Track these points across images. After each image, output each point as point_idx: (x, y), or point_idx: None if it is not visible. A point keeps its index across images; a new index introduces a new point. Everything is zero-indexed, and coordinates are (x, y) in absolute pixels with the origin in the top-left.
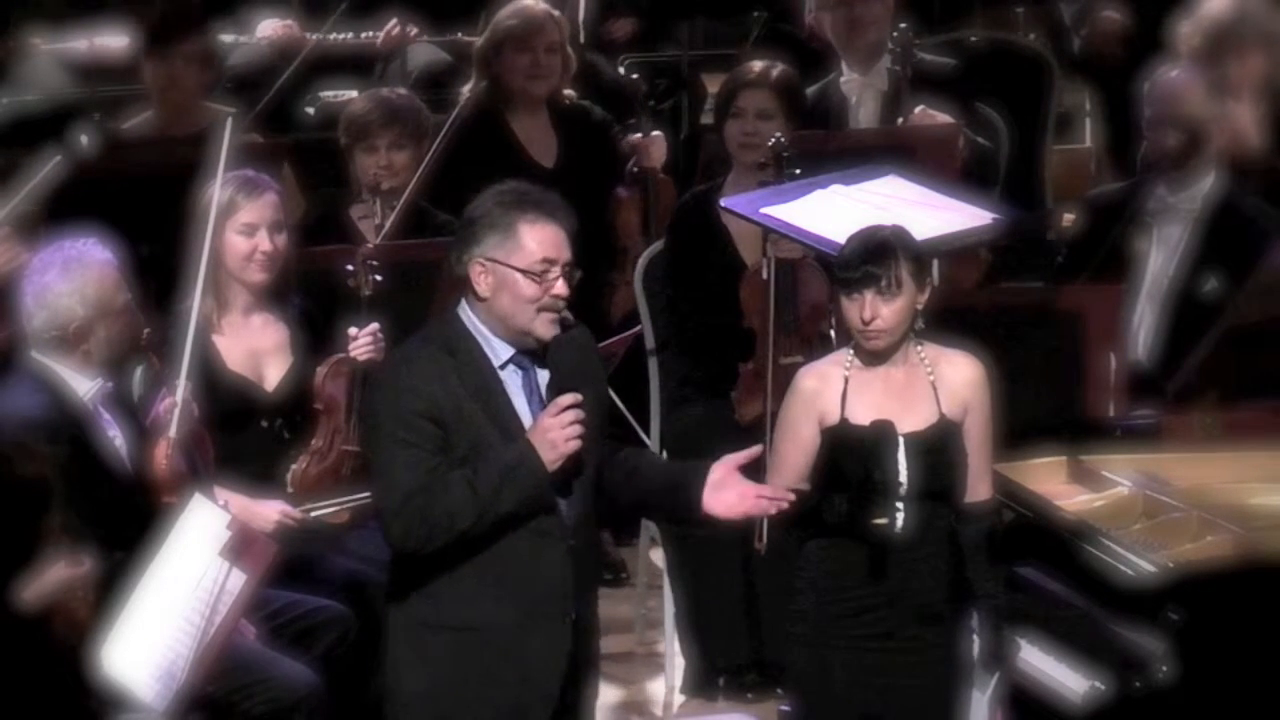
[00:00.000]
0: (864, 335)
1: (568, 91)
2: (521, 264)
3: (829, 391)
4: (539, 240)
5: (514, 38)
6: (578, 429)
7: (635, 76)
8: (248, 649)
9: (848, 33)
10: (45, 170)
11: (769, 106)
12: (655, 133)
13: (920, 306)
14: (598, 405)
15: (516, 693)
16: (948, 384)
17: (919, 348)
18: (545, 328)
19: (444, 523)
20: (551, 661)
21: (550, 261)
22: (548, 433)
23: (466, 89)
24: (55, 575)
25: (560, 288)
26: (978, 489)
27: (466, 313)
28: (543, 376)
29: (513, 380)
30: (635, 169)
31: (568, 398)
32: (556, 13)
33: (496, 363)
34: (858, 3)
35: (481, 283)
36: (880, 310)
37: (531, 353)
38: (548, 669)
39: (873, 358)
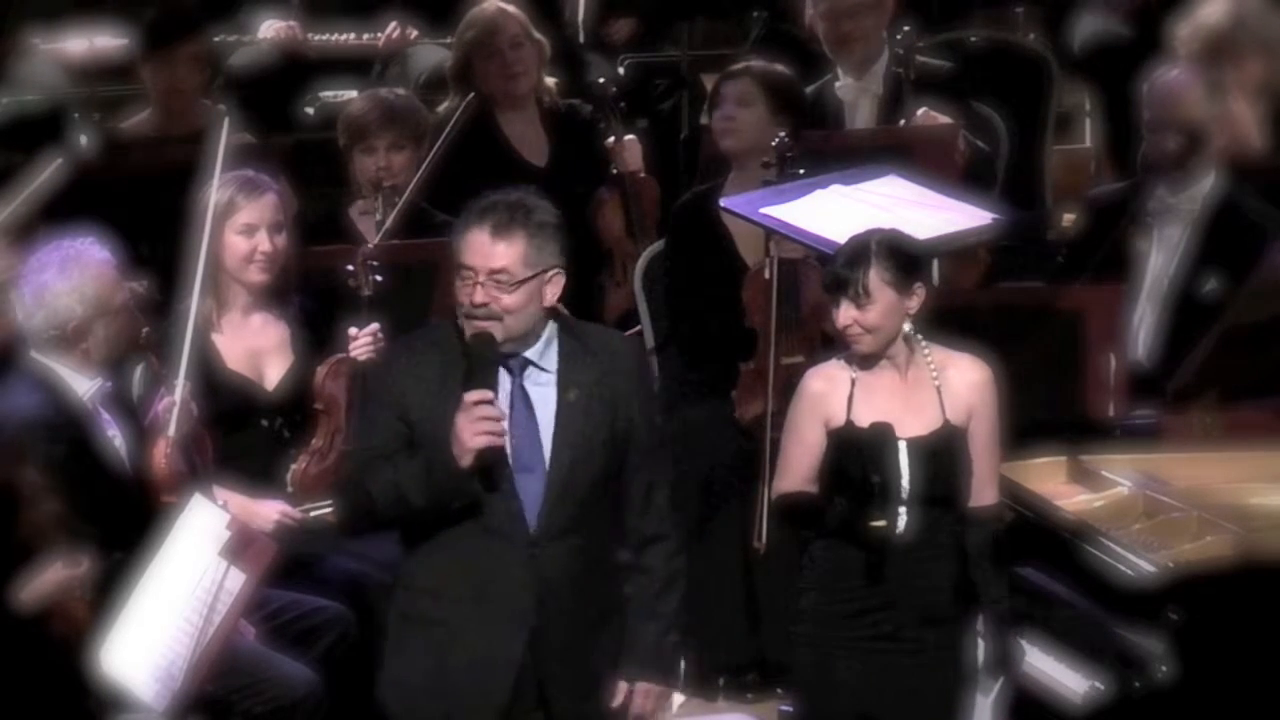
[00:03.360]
0: (844, 337)
1: (550, 81)
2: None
3: (836, 394)
4: (460, 245)
5: (476, 47)
6: (488, 425)
7: (603, 80)
8: (248, 649)
9: (837, 46)
10: (46, 173)
11: (748, 92)
12: (628, 137)
13: (910, 312)
14: (613, 418)
15: (469, 695)
16: (953, 388)
17: (926, 351)
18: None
19: (377, 507)
20: (501, 669)
21: (466, 268)
22: (459, 430)
23: (443, 107)
24: (53, 576)
25: (476, 294)
26: (983, 493)
27: None
28: (543, 379)
29: (502, 385)
30: (614, 172)
31: (475, 394)
32: (509, 6)
33: None
34: (845, 18)
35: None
36: (851, 315)
37: (531, 358)
38: (496, 676)
39: (868, 360)
